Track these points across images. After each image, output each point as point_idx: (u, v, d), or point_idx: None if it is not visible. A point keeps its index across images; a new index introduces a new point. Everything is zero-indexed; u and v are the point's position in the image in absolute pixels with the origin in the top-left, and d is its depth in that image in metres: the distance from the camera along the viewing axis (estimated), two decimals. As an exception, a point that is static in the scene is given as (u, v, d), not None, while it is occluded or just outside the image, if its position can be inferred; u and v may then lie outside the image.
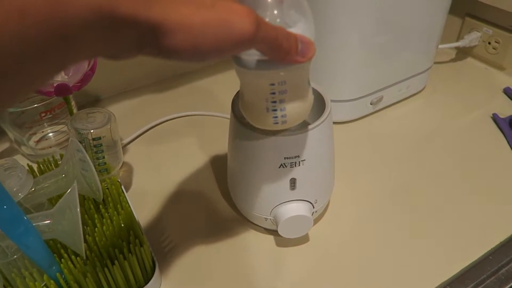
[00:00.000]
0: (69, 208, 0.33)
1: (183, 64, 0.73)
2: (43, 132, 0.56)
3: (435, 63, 0.69)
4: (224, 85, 0.71)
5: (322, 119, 0.38)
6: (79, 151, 0.38)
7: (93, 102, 0.67)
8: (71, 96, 0.50)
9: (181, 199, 0.50)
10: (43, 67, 0.17)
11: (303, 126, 0.37)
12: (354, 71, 0.56)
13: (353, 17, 0.51)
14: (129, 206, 0.42)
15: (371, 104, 0.61)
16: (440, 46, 0.68)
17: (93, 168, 0.38)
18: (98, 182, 0.40)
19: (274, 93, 0.30)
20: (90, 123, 0.44)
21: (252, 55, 0.27)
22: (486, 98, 0.67)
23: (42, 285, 0.34)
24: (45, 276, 0.34)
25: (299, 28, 0.28)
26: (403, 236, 0.45)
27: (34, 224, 0.33)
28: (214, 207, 0.49)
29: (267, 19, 0.25)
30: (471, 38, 0.73)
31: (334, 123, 0.42)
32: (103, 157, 0.45)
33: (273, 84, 0.30)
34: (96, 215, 0.39)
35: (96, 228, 0.37)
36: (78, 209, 0.33)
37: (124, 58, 0.21)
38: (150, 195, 0.50)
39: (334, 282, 0.41)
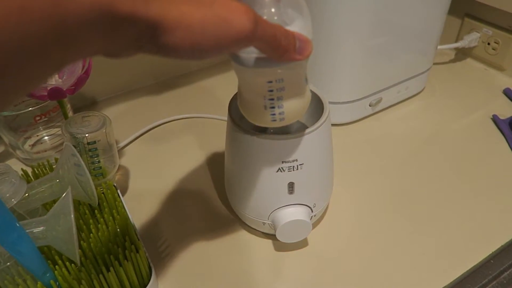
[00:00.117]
0: (64, 214, 0.33)
1: (180, 66, 0.73)
2: (38, 135, 0.55)
3: (434, 64, 0.69)
4: (221, 86, 0.70)
5: (320, 122, 0.37)
6: (73, 156, 0.38)
7: (89, 105, 0.67)
8: (66, 99, 0.50)
9: (178, 203, 0.49)
10: (42, 65, 0.17)
11: (301, 129, 0.36)
12: (352, 72, 0.56)
13: (351, 18, 0.51)
14: (125, 211, 0.41)
15: (370, 105, 0.61)
16: (439, 47, 0.68)
17: (87, 172, 0.38)
18: (93, 187, 0.39)
19: (271, 91, 0.30)
20: (85, 127, 0.43)
21: (250, 53, 0.27)
22: (486, 99, 0.66)
23: (35, 292, 0.33)
24: (39, 284, 0.33)
25: (296, 26, 0.28)
26: (402, 241, 0.44)
27: (27, 231, 0.32)
28: (212, 211, 0.48)
29: (264, 17, 0.25)
30: (471, 39, 0.72)
31: (332, 125, 0.41)
32: (99, 161, 0.45)
33: (270, 82, 0.30)
34: (91, 220, 0.39)
35: (91, 234, 0.37)
36: (72, 215, 0.32)
37: (123, 56, 0.21)
38: (147, 199, 0.50)
39: (333, 287, 0.40)
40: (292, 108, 0.32)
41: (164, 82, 0.72)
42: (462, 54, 0.77)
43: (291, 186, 0.39)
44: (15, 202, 0.35)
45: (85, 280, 0.34)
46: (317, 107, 0.40)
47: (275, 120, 0.33)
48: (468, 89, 0.69)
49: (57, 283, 0.34)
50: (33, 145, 0.55)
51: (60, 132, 0.55)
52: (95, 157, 0.44)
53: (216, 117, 0.63)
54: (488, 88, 0.69)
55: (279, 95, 0.31)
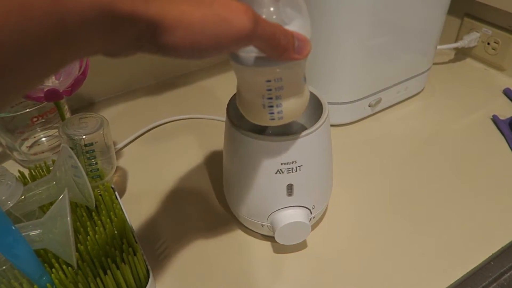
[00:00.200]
0: (60, 217, 0.33)
1: (179, 66, 0.73)
2: (35, 137, 0.55)
3: (434, 64, 0.68)
4: (221, 87, 0.70)
5: (319, 123, 0.37)
6: (71, 157, 0.38)
7: (87, 105, 0.66)
8: (63, 100, 0.50)
9: (177, 205, 0.49)
10: (42, 64, 0.17)
11: (300, 130, 0.36)
12: (352, 72, 0.56)
13: (351, 18, 0.50)
14: (123, 213, 0.41)
15: (369, 106, 0.60)
16: (439, 47, 0.68)
17: (85, 174, 0.38)
18: (90, 189, 0.39)
19: (270, 90, 0.31)
20: (82, 128, 0.43)
21: (249, 52, 0.27)
22: (486, 99, 0.66)
23: (32, 296, 0.33)
24: (35, 287, 0.33)
25: (295, 25, 0.28)
26: (402, 241, 0.44)
27: (24, 234, 0.32)
28: (210, 212, 0.48)
29: (263, 16, 0.25)
30: (470, 39, 0.72)
31: (331, 125, 0.41)
32: (96, 163, 0.44)
33: (269, 81, 0.30)
34: (88, 223, 0.38)
35: (88, 236, 0.37)
36: (69, 218, 0.32)
37: (123, 55, 0.21)
38: (145, 200, 0.49)
39: (332, 289, 0.40)
40: (290, 107, 0.32)
41: (163, 82, 0.72)
42: (461, 54, 0.77)
43: (290, 188, 0.38)
44: (11, 204, 0.34)
45: (82, 283, 0.33)
46: (316, 108, 0.40)
47: (273, 119, 0.33)
48: (468, 89, 0.69)
49: (54, 287, 0.33)
50: (30, 147, 0.54)
51: (57, 133, 0.55)
52: (92, 159, 0.44)
53: (215, 118, 0.62)
54: (488, 88, 0.69)
55: (278, 94, 0.31)
